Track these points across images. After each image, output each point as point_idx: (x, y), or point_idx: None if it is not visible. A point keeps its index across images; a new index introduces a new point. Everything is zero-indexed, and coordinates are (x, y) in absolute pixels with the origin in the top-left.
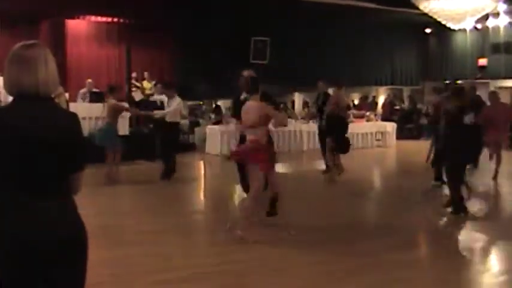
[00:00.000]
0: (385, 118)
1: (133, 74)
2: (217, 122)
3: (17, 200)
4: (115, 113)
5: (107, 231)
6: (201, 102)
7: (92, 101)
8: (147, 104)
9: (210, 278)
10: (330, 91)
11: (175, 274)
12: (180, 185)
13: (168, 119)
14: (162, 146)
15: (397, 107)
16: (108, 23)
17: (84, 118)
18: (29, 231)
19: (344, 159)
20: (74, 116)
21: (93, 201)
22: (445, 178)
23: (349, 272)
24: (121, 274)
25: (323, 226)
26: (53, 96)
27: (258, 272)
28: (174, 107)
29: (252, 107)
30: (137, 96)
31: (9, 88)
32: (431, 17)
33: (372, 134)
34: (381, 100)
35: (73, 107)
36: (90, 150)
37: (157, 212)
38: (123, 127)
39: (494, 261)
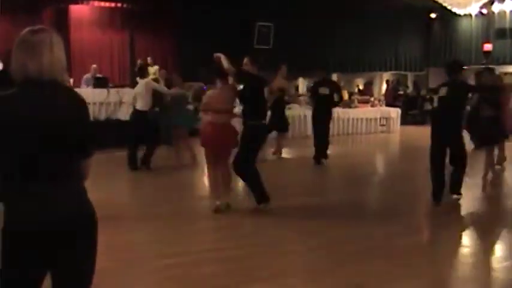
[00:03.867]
0: (388, 104)
1: (138, 60)
2: None
3: (26, 185)
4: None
5: (112, 216)
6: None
7: (96, 86)
8: None
9: (214, 263)
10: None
11: (180, 259)
12: (187, 170)
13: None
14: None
15: (401, 92)
16: (111, 8)
17: (88, 103)
18: (38, 215)
19: (349, 144)
20: (82, 101)
21: (98, 185)
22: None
23: (350, 257)
24: (127, 259)
25: (324, 211)
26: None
27: (260, 256)
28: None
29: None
30: None
31: (15, 73)
32: (436, 2)
33: (376, 119)
34: (384, 85)
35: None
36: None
37: (163, 197)
38: (127, 112)
39: (498, 246)
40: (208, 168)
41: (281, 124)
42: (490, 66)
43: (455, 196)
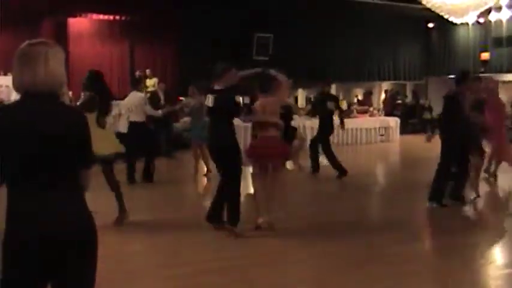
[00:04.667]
0: (387, 113)
1: (137, 73)
2: None
3: (27, 194)
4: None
5: (113, 227)
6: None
7: None
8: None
9: (216, 273)
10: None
11: (185, 269)
12: (190, 181)
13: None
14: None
15: (399, 101)
16: (110, 20)
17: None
18: (39, 224)
19: (349, 154)
20: (80, 113)
21: (99, 196)
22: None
23: (354, 265)
24: (131, 270)
25: (327, 220)
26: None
27: (261, 266)
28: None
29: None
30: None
31: (15, 85)
32: (433, 12)
33: (375, 129)
34: (382, 95)
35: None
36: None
37: (164, 207)
38: (123, 125)
39: (499, 254)
40: (257, 183)
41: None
42: (476, 75)
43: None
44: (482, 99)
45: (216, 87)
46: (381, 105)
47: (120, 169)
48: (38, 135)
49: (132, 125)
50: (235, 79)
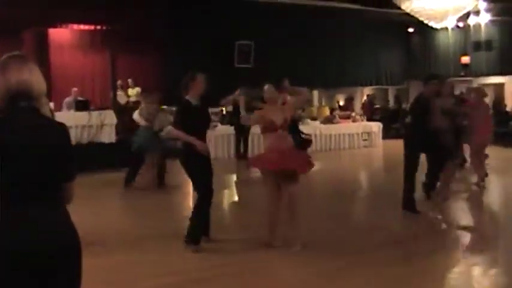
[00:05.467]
0: (366, 118)
1: (119, 82)
2: None
3: (9, 210)
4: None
5: (98, 238)
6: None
7: (77, 109)
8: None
9: (198, 284)
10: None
11: (165, 280)
12: (172, 190)
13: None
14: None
15: (377, 106)
16: (91, 30)
17: (70, 127)
18: (22, 241)
19: (332, 159)
20: (62, 125)
21: (83, 209)
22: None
23: (340, 271)
24: (113, 281)
25: (310, 226)
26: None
27: (248, 275)
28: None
29: None
30: (122, 100)
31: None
32: (413, 17)
33: (358, 134)
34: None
35: (59, 116)
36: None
37: (149, 218)
38: (109, 135)
39: (483, 255)
40: (273, 199)
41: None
42: (439, 74)
43: None
44: (463, 98)
45: (188, 98)
46: (361, 111)
47: (104, 178)
48: (22, 150)
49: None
50: (203, 87)
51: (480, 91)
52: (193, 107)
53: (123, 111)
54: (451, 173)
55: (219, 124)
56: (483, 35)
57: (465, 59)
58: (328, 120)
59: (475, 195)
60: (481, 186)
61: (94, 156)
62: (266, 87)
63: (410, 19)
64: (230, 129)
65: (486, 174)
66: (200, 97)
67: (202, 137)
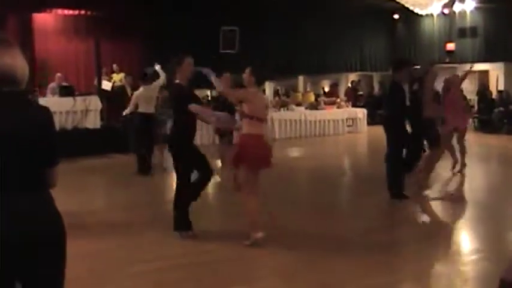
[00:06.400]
0: (351, 105)
1: (104, 69)
2: None
3: None
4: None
5: (82, 225)
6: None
7: (61, 95)
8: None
9: (185, 269)
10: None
11: (150, 266)
12: (157, 177)
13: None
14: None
15: (361, 93)
16: (75, 16)
17: (54, 112)
18: (3, 226)
19: (317, 145)
20: (47, 110)
21: (67, 195)
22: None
23: (321, 258)
24: (98, 268)
25: (294, 213)
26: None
27: (232, 261)
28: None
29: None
30: (107, 86)
31: None
32: (398, 3)
33: (343, 120)
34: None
35: (43, 102)
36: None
37: (132, 205)
38: (94, 120)
39: (466, 241)
40: (249, 192)
41: None
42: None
43: None
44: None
45: (178, 81)
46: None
47: (89, 165)
48: (4, 136)
49: (144, 116)
50: (191, 69)
51: (450, 79)
52: (186, 90)
53: (108, 97)
54: (435, 161)
55: None
56: (468, 22)
57: (450, 46)
58: (313, 106)
59: (456, 183)
60: (463, 173)
61: (79, 142)
62: (247, 70)
63: (396, 5)
64: None
65: (456, 161)
66: (189, 80)
67: (195, 120)
